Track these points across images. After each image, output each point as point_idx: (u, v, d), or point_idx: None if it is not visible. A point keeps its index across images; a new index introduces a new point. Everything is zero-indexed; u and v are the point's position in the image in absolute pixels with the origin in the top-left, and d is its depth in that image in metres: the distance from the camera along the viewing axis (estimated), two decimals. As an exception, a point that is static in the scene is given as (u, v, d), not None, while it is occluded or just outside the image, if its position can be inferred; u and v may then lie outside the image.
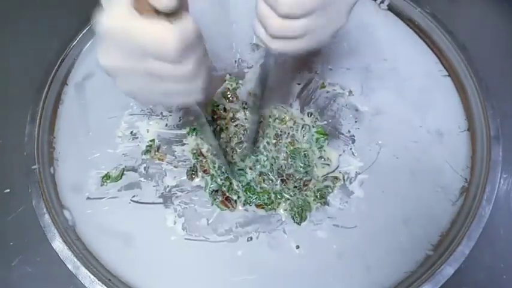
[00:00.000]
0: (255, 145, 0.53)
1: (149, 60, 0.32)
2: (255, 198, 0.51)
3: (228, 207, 0.50)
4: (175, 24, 0.31)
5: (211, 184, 0.51)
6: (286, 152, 0.53)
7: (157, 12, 0.30)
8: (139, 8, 0.30)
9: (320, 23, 0.35)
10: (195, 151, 0.53)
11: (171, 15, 0.30)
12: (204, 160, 0.52)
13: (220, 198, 0.51)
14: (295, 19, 0.34)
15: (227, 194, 0.51)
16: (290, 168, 0.52)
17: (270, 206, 0.50)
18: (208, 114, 0.55)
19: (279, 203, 0.51)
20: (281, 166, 0.52)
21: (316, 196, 0.51)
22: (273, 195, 0.51)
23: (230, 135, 0.54)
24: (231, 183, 0.51)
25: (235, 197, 0.51)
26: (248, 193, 0.51)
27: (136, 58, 0.32)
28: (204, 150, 0.53)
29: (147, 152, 0.53)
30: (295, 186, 0.51)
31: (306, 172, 0.52)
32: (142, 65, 0.33)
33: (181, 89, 0.35)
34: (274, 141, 0.54)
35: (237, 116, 0.55)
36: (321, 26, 0.36)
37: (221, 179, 0.51)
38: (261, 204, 0.50)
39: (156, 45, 0.31)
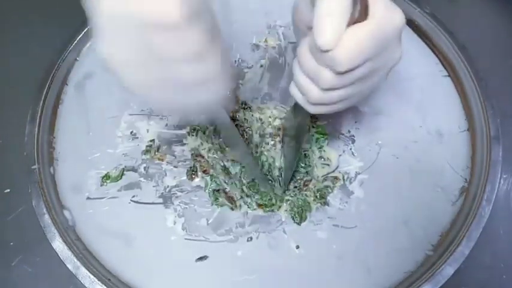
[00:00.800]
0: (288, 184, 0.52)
1: (154, 36, 0.28)
2: (257, 198, 0.50)
3: (232, 204, 0.50)
4: None
5: (211, 184, 0.51)
6: (286, 152, 0.53)
7: None
8: None
9: (362, 88, 0.35)
10: (193, 152, 0.53)
11: None
12: (203, 160, 0.52)
13: (223, 196, 0.51)
14: (337, 90, 0.34)
15: (229, 194, 0.51)
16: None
17: (270, 208, 0.50)
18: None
19: (280, 206, 0.50)
20: (281, 167, 0.52)
21: (316, 196, 0.51)
22: (273, 197, 0.51)
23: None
24: (233, 183, 0.51)
25: (238, 197, 0.51)
26: (251, 190, 0.51)
27: (139, 39, 0.28)
28: (203, 152, 0.53)
29: (147, 152, 0.53)
30: (295, 187, 0.51)
31: (307, 172, 0.52)
32: (148, 45, 0.28)
33: (198, 75, 0.30)
34: (272, 142, 0.54)
35: (236, 116, 0.55)
36: (360, 92, 0.35)
37: (223, 179, 0.51)
38: (261, 205, 0.50)
39: (156, 14, 0.27)
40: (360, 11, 0.30)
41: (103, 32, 0.29)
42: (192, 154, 0.53)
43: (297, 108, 0.44)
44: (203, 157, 0.53)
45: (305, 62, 0.34)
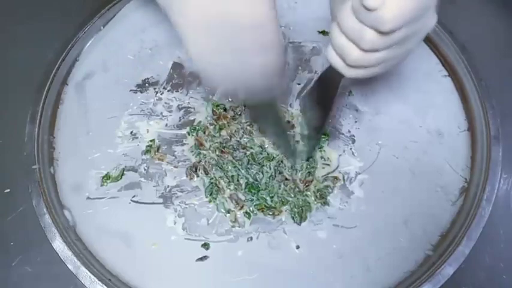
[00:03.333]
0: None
1: (242, 34, 0.33)
2: (257, 204, 0.50)
3: (238, 203, 0.50)
4: None
5: (209, 185, 0.51)
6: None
7: None
8: None
9: (398, 52, 0.36)
10: (192, 150, 0.53)
11: None
12: (204, 160, 0.52)
13: (224, 197, 0.51)
14: (376, 52, 0.35)
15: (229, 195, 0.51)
16: (291, 168, 0.52)
17: (270, 211, 0.50)
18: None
19: (281, 210, 0.50)
20: (284, 167, 0.52)
21: (316, 196, 0.51)
22: (276, 198, 0.51)
23: (232, 133, 0.54)
24: (237, 183, 0.52)
25: (242, 197, 0.51)
26: (252, 190, 0.51)
27: (229, 39, 0.33)
28: (204, 151, 0.53)
29: (147, 152, 0.53)
30: (297, 187, 0.51)
31: (309, 173, 0.52)
32: (235, 43, 0.34)
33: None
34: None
35: (237, 116, 0.55)
36: (397, 56, 0.36)
37: (225, 182, 0.52)
38: (261, 208, 0.50)
39: (251, 18, 0.32)
40: None
41: (192, 33, 0.34)
42: (192, 152, 0.53)
43: (326, 76, 0.44)
44: (204, 156, 0.53)
45: (347, 23, 0.34)
